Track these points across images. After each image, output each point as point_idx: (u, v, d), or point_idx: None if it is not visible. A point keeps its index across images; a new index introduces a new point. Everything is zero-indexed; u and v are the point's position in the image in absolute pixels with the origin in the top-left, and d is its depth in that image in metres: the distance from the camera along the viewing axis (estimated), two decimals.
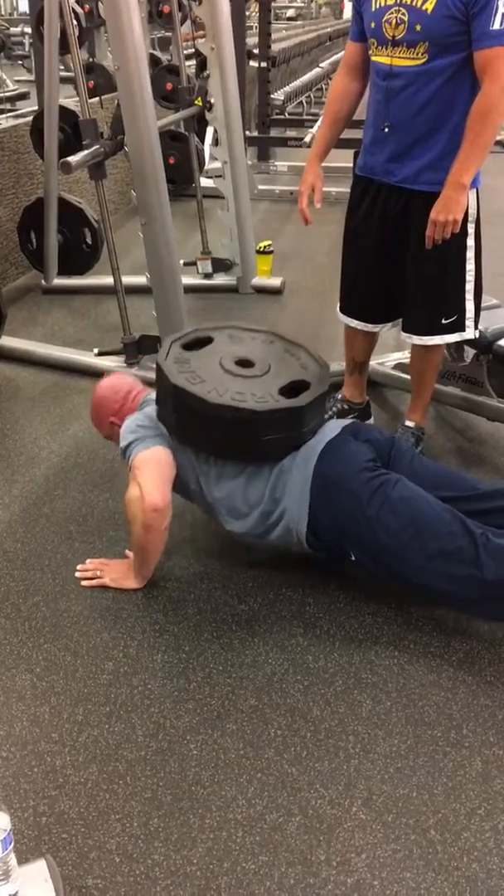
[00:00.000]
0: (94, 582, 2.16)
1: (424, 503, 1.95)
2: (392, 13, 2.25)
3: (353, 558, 2.02)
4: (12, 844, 1.24)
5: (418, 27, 2.21)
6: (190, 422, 2.05)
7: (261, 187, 6.09)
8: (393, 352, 3.36)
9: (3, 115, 6.35)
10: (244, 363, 2.15)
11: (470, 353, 2.95)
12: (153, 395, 2.22)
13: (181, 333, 2.27)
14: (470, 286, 2.50)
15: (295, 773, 1.65)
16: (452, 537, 1.89)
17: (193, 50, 6.36)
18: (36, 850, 1.49)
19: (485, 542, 1.87)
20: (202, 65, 5.72)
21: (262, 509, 2.06)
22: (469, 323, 2.53)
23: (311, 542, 2.06)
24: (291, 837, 1.53)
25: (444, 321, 2.51)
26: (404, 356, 3.09)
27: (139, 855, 1.49)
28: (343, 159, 2.55)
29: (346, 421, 2.19)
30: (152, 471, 2.02)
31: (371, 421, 3.00)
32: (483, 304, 2.93)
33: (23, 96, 8.88)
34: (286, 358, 2.22)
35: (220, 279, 4.45)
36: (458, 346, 2.99)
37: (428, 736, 1.74)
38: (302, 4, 21.27)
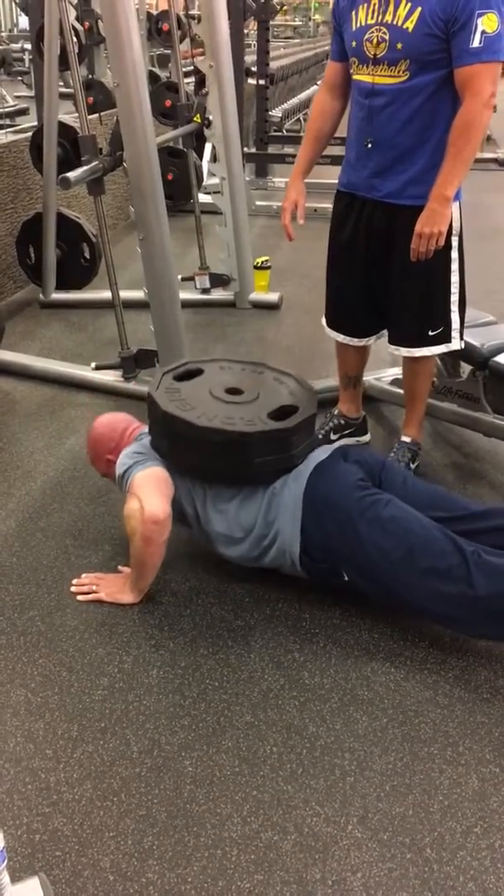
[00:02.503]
0: (90, 597, 2.16)
1: (415, 522, 1.96)
2: (373, 32, 2.28)
3: (346, 578, 2.03)
4: (5, 862, 1.24)
5: (399, 45, 2.24)
6: (181, 447, 2.09)
7: (258, 203, 6.13)
8: (389, 367, 3.37)
9: (3, 131, 6.36)
10: (233, 391, 2.21)
11: (466, 369, 2.96)
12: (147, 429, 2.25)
13: (172, 365, 2.34)
14: (455, 297, 2.52)
15: (290, 790, 1.65)
16: (444, 556, 1.90)
17: (192, 67, 6.41)
18: (29, 867, 1.48)
19: (476, 560, 1.88)
20: (201, 82, 5.76)
21: (256, 533, 2.08)
22: (455, 334, 2.56)
23: (304, 563, 2.07)
24: (287, 856, 1.52)
25: (430, 333, 2.54)
26: (401, 372, 3.09)
27: (133, 873, 1.48)
28: (336, 177, 2.58)
29: (336, 444, 2.22)
30: (151, 485, 2.03)
31: (368, 437, 3.00)
32: (479, 321, 2.95)
33: (22, 112, 8.91)
34: (275, 385, 2.28)
35: (218, 294, 4.46)
36: (455, 362, 3.00)
37: (424, 753, 1.73)
38: (300, 23, 21.47)
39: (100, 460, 2.35)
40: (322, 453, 2.14)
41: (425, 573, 1.90)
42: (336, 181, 2.61)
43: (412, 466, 2.73)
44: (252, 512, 2.07)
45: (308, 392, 2.24)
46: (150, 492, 2.01)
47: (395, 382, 3.20)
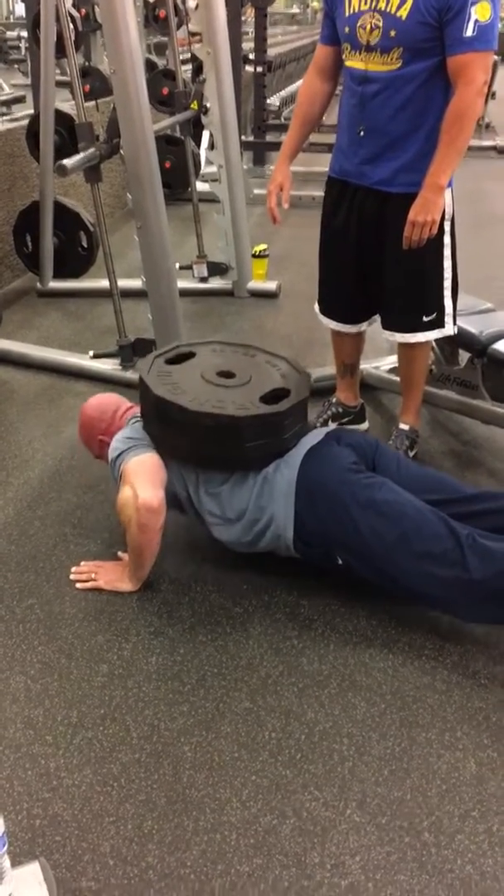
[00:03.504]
0: (88, 584, 2.16)
1: (410, 506, 1.96)
2: (366, 19, 2.27)
3: (340, 562, 2.03)
4: (6, 847, 1.24)
5: (393, 33, 2.23)
6: (172, 432, 2.08)
7: (256, 192, 6.09)
8: (387, 355, 3.37)
9: None
10: (225, 374, 2.19)
11: (464, 356, 2.96)
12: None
13: (164, 349, 2.33)
14: (448, 283, 2.53)
15: (289, 775, 1.65)
16: (438, 539, 1.90)
17: (190, 54, 6.38)
18: (30, 852, 1.49)
19: (471, 544, 1.88)
20: (198, 69, 5.73)
21: (249, 517, 2.07)
22: (448, 320, 2.57)
23: (298, 548, 2.07)
24: (285, 840, 1.53)
25: (424, 318, 2.54)
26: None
27: (133, 857, 1.49)
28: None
29: (328, 428, 2.21)
30: (144, 472, 2.03)
31: (366, 424, 3.00)
32: (477, 308, 2.95)
33: (19, 100, 8.87)
34: (267, 369, 2.26)
35: (216, 283, 4.46)
36: (453, 349, 3.00)
37: (422, 738, 1.74)
38: (297, 10, 21.36)
39: (92, 441, 2.34)
40: (315, 437, 2.13)
41: (420, 557, 1.90)
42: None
43: (410, 454, 2.74)
44: (244, 496, 2.07)
45: (300, 375, 2.23)
46: (143, 480, 2.00)
47: (392, 370, 3.19)
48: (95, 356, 3.40)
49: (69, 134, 3.99)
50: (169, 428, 2.08)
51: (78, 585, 2.17)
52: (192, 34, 4.15)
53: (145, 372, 2.16)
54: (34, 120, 4.18)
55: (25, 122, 4.46)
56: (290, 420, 2.07)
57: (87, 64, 6.09)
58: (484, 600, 1.90)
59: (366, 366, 3.19)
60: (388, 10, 2.22)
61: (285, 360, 2.30)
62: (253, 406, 2.05)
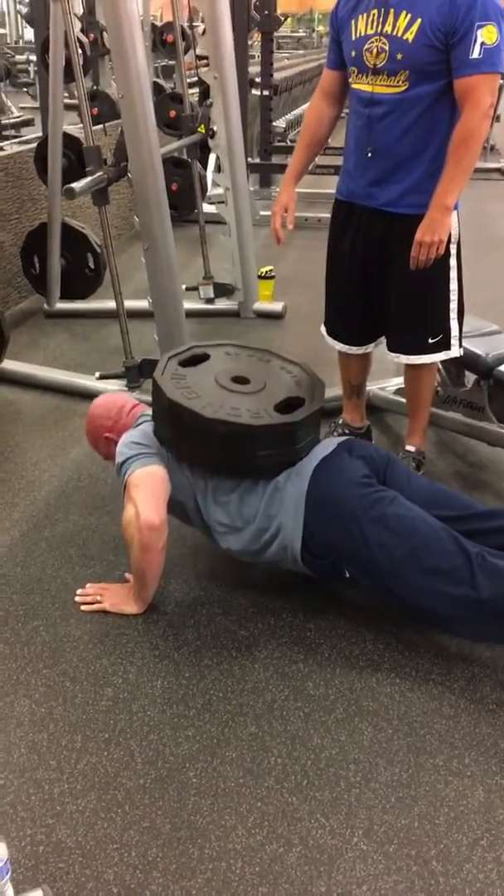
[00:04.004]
0: (94, 607, 2.15)
1: (420, 521, 1.94)
2: (373, 42, 2.29)
3: (347, 575, 2.01)
4: (9, 874, 1.23)
5: (399, 56, 2.25)
6: (185, 437, 2.06)
7: (262, 213, 6.12)
8: (393, 377, 3.37)
9: (8, 142, 6.40)
10: (240, 380, 2.17)
11: (471, 378, 2.96)
12: (149, 411, 2.23)
13: (178, 350, 2.30)
14: (454, 305, 2.54)
15: (295, 802, 1.64)
16: (447, 556, 1.88)
17: (196, 78, 6.44)
18: (33, 879, 1.47)
19: (480, 562, 1.86)
20: (205, 93, 5.78)
21: (257, 525, 2.05)
22: (454, 342, 2.57)
23: (305, 559, 2.05)
24: (291, 868, 1.51)
25: (430, 340, 2.55)
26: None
27: (137, 886, 1.47)
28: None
29: (341, 438, 2.19)
30: (147, 489, 2.01)
31: None
32: (483, 330, 2.95)
33: (27, 123, 8.97)
34: (282, 375, 2.24)
35: (222, 304, 4.47)
36: (459, 371, 3.00)
37: (430, 765, 1.72)
38: (304, 34, 21.57)
39: (99, 440, 2.32)
40: (326, 447, 2.10)
41: (428, 573, 1.88)
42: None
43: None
44: (254, 504, 2.05)
45: (315, 383, 2.20)
46: (146, 497, 1.98)
47: (398, 392, 3.19)
48: (102, 377, 3.40)
49: (77, 157, 4.02)
50: (181, 432, 2.05)
51: (83, 608, 2.16)
52: (200, 58, 4.19)
53: (159, 374, 2.13)
54: (42, 143, 4.22)
55: (34, 144, 4.50)
56: (303, 430, 2.05)
57: (95, 88, 6.15)
58: (491, 620, 1.89)
59: (372, 387, 3.19)
60: (394, 33, 2.24)
61: (299, 367, 2.28)
62: (267, 415, 2.03)
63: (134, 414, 2.28)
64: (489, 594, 1.84)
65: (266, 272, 4.50)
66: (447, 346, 2.56)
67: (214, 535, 2.14)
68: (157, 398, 2.11)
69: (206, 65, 4.04)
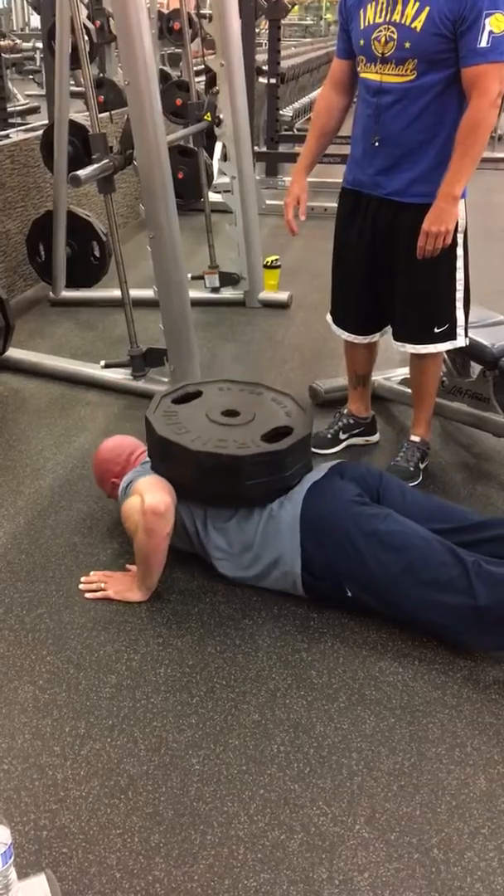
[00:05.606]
0: (97, 594, 2.16)
1: (415, 535, 1.98)
2: (381, 31, 2.28)
3: (350, 594, 2.04)
4: (12, 858, 1.24)
5: (407, 45, 2.24)
6: (176, 470, 2.11)
7: (269, 202, 6.12)
8: (398, 367, 3.36)
9: (14, 129, 6.39)
10: (230, 413, 2.23)
11: (476, 368, 2.95)
12: None
13: (172, 388, 2.38)
14: (460, 295, 2.53)
15: (297, 789, 1.64)
16: (444, 567, 1.91)
17: (203, 66, 6.41)
18: (36, 864, 1.48)
19: (476, 570, 1.89)
20: (212, 81, 5.76)
21: (255, 551, 2.10)
22: (460, 331, 2.57)
23: (306, 583, 2.08)
24: (293, 855, 1.52)
25: (436, 330, 2.55)
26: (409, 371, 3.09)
27: (140, 871, 1.48)
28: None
29: (331, 463, 2.24)
30: (153, 482, 2.07)
31: (377, 436, 3.00)
32: (489, 320, 2.94)
33: (33, 110, 8.96)
34: (272, 406, 2.30)
35: (228, 293, 4.46)
36: (464, 361, 2.99)
37: (432, 753, 1.73)
38: (311, 21, 21.46)
39: (105, 483, 2.40)
40: (318, 472, 2.16)
41: (426, 585, 1.91)
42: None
43: (421, 466, 2.73)
44: (250, 530, 2.09)
45: (304, 413, 2.25)
46: (152, 488, 2.04)
47: (403, 382, 3.19)
48: (107, 366, 3.40)
49: (83, 144, 4.01)
50: (172, 466, 2.11)
51: (87, 595, 2.17)
52: (206, 45, 4.17)
53: (151, 412, 2.21)
54: (48, 130, 4.20)
55: (40, 132, 4.49)
56: (291, 457, 2.10)
57: (101, 75, 6.14)
58: (491, 626, 1.91)
59: (377, 377, 3.19)
60: (402, 21, 2.23)
61: (290, 398, 2.33)
62: (254, 444, 2.08)
63: (140, 458, 2.33)
64: (487, 602, 1.86)
65: (272, 261, 4.49)
66: (453, 336, 2.56)
67: (213, 562, 2.18)
68: (149, 435, 2.18)
69: (213, 52, 4.02)
